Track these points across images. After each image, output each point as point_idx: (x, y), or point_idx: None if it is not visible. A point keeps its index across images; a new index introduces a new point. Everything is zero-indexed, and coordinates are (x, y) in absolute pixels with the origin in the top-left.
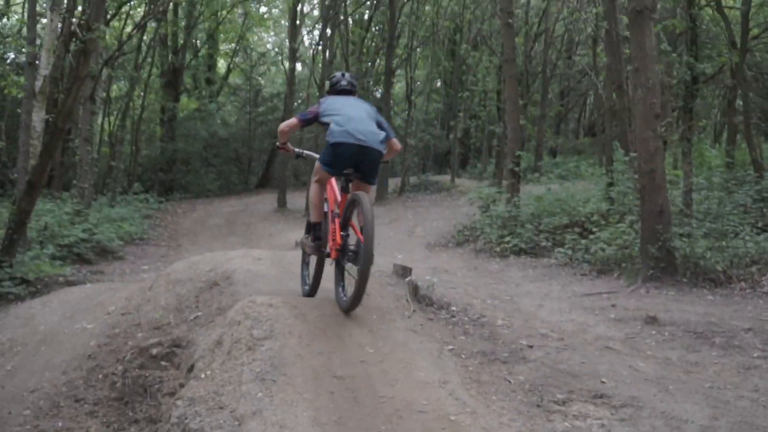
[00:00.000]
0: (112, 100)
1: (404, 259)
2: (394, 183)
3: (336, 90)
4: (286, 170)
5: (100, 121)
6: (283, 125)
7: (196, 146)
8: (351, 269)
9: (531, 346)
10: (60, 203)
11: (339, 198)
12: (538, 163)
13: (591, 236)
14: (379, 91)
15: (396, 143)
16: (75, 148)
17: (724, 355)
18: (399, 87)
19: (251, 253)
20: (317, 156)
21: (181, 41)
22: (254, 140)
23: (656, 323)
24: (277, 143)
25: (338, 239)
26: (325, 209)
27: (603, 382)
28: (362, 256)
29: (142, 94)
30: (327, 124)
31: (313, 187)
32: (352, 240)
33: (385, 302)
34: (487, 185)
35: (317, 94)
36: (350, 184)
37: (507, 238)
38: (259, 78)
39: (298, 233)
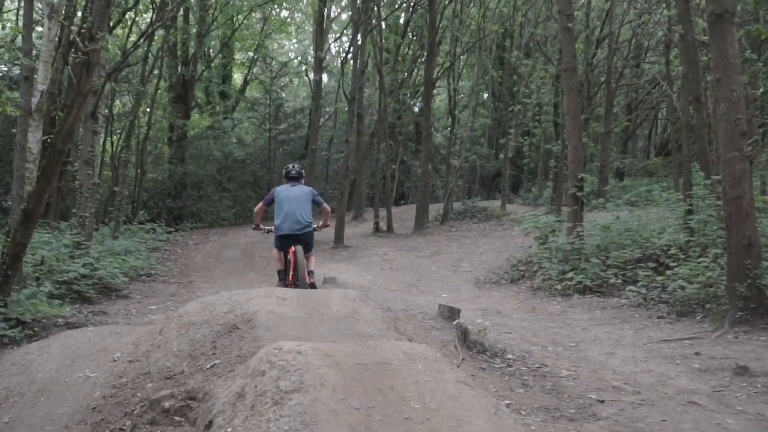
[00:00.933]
0: (115, 118)
1: (450, 299)
2: (435, 209)
3: (287, 176)
4: None
5: (102, 141)
6: (256, 208)
7: (209, 169)
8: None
9: (602, 401)
10: (58, 234)
11: (291, 261)
12: (604, 187)
13: (668, 272)
14: (417, 104)
15: (326, 208)
16: (74, 172)
17: None
18: (440, 100)
19: (274, 292)
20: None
21: (192, 50)
22: (274, 161)
23: (747, 374)
24: (253, 225)
25: (290, 279)
26: (283, 267)
27: None
28: (300, 284)
29: (148, 110)
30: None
31: (274, 252)
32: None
33: (431, 349)
34: (543, 212)
35: (346, 109)
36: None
37: (569, 275)
38: (280, 91)
39: (327, 267)
